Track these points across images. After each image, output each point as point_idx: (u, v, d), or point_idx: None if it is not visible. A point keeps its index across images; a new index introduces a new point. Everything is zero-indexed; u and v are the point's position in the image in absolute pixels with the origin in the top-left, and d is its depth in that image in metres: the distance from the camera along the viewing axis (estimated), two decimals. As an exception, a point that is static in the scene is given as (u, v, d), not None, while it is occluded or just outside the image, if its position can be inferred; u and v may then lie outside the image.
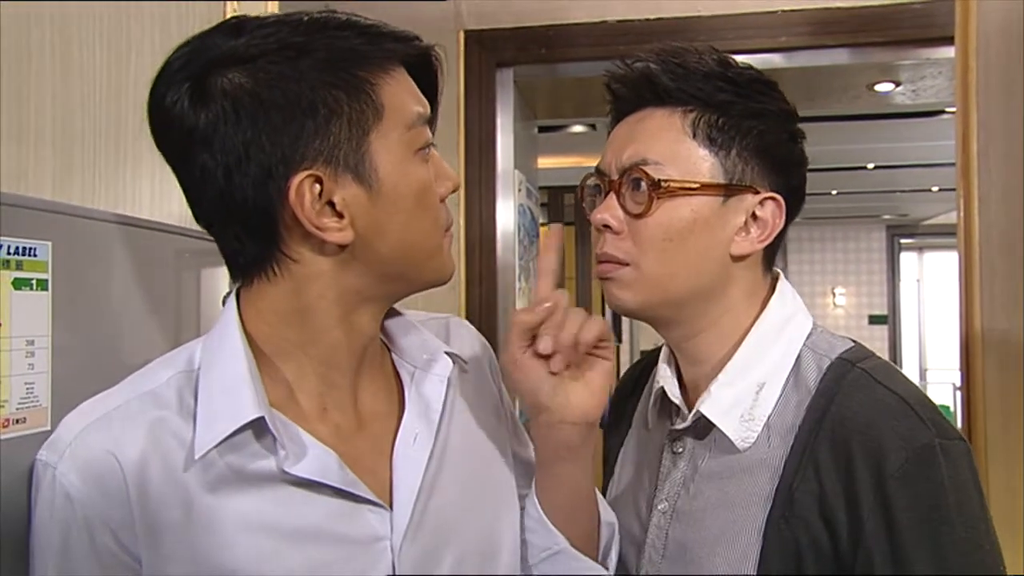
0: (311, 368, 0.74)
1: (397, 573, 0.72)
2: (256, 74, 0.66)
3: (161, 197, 1.22)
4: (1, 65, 1.16)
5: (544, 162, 2.93)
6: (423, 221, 0.73)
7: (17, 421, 0.74)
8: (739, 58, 0.87)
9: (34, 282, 0.77)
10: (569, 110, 3.42)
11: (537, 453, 0.84)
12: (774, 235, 0.87)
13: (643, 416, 0.99)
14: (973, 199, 1.40)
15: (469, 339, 0.90)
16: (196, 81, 0.67)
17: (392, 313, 0.83)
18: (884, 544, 0.75)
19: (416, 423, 0.78)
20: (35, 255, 0.77)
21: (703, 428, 0.87)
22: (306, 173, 0.67)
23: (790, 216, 0.88)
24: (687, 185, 0.83)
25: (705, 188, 0.84)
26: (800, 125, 0.89)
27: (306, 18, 0.69)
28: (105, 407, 0.69)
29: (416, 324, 0.84)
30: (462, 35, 1.98)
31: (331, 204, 0.69)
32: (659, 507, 0.89)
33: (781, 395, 0.84)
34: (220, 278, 1.07)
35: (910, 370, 8.37)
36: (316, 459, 0.70)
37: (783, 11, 1.84)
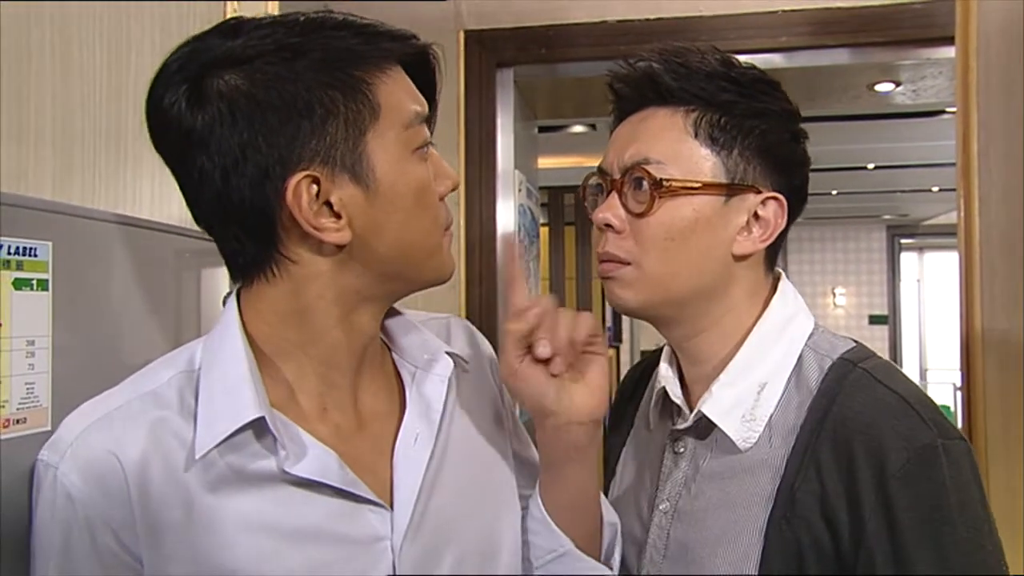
0: (311, 368, 0.74)
1: (397, 573, 0.72)
2: (252, 75, 0.66)
3: (161, 197, 1.22)
4: (1, 65, 1.16)
5: (544, 162, 2.93)
6: (422, 220, 0.73)
7: (17, 421, 0.74)
8: (740, 58, 0.87)
9: (34, 282, 0.77)
10: (569, 110, 3.42)
11: (542, 456, 0.83)
12: (776, 235, 0.87)
13: (644, 416, 0.99)
14: (973, 199, 1.40)
15: (470, 339, 0.90)
16: (193, 83, 0.67)
17: (392, 313, 0.83)
18: (886, 544, 0.75)
19: (417, 423, 0.78)
20: (35, 255, 0.77)
21: (704, 428, 0.87)
22: (303, 174, 0.67)
23: (792, 216, 0.88)
24: (689, 184, 0.83)
25: (707, 188, 0.84)
26: (801, 125, 0.89)
27: (302, 19, 0.69)
28: (106, 407, 0.69)
29: (417, 324, 0.84)
30: (462, 35, 1.98)
31: (328, 204, 0.69)
32: (660, 507, 0.89)
33: (783, 395, 0.84)
34: (220, 278, 1.07)
35: (910, 370, 8.37)
36: (316, 459, 0.70)
37: (783, 11, 1.84)
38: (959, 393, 1.55)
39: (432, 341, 0.82)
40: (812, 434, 0.80)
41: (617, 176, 0.86)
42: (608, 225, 0.86)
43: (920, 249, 9.09)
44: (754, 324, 0.87)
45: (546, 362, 0.77)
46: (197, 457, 0.67)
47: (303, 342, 0.73)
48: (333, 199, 0.69)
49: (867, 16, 1.81)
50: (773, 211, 0.86)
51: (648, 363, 1.05)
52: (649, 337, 5.90)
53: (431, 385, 0.80)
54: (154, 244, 0.96)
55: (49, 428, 0.75)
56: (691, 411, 0.88)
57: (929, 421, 0.77)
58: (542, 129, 3.21)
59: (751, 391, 0.85)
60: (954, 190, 1.45)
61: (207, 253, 0.82)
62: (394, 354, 0.83)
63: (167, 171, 0.72)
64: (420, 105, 0.73)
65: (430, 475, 0.76)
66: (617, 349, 5.81)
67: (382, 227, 0.71)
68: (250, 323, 0.73)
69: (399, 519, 0.73)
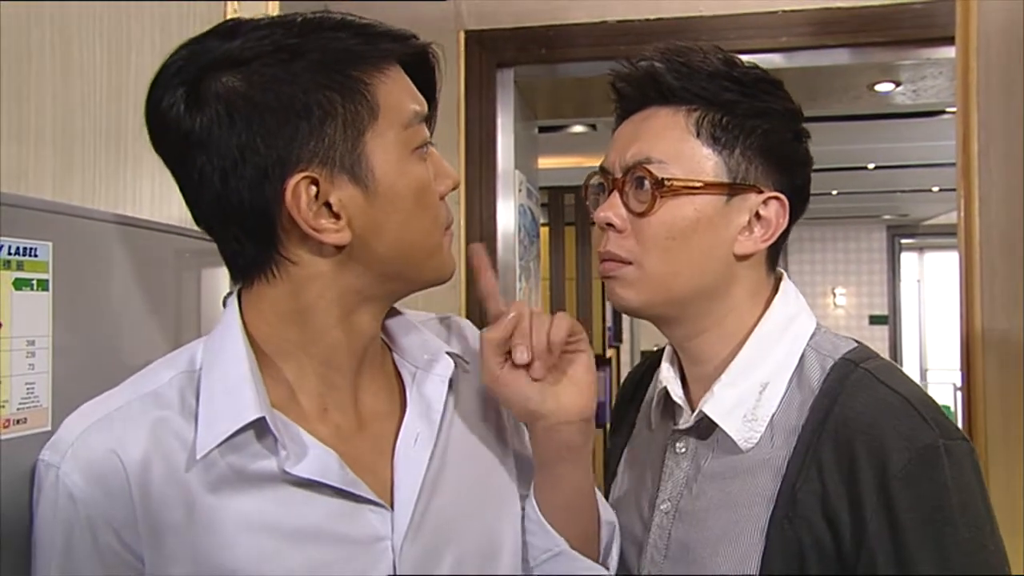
0: (312, 368, 0.74)
1: (398, 573, 0.72)
2: (250, 77, 0.66)
3: (161, 197, 1.21)
4: (1, 65, 1.16)
5: (544, 162, 2.93)
6: (422, 220, 0.73)
7: (18, 421, 0.74)
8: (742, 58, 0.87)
9: (35, 282, 0.76)
10: (569, 110, 3.42)
11: (536, 456, 0.83)
12: (778, 234, 0.86)
13: (646, 416, 0.99)
14: (973, 199, 1.40)
15: (470, 339, 0.90)
16: (191, 85, 0.67)
17: (393, 313, 0.83)
18: (887, 545, 0.75)
19: (417, 423, 0.78)
20: (35, 255, 0.76)
21: (706, 428, 0.87)
22: (302, 175, 0.67)
23: (794, 216, 0.88)
24: (691, 184, 0.83)
25: (709, 187, 0.83)
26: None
27: (300, 19, 0.69)
28: (107, 408, 0.69)
29: (417, 324, 0.84)
30: (462, 35, 1.98)
31: (328, 205, 0.69)
32: (661, 507, 0.89)
33: (784, 395, 0.84)
34: (220, 278, 1.07)
35: (911, 370, 8.36)
36: (317, 459, 0.70)
37: (784, 11, 1.84)
38: (959, 393, 1.55)
39: (432, 341, 0.82)
40: (814, 434, 0.80)
41: (619, 175, 0.86)
42: (610, 224, 0.86)
43: (920, 249, 9.09)
44: (756, 324, 0.87)
45: (527, 367, 0.77)
46: (198, 457, 0.67)
47: (303, 342, 0.73)
48: (332, 200, 0.68)
49: (867, 16, 1.81)
50: (775, 211, 0.86)
51: (649, 364, 1.05)
52: (649, 337, 5.90)
53: (431, 385, 0.80)
54: (154, 244, 0.96)
55: (49, 428, 0.75)
56: (692, 411, 0.88)
57: (931, 421, 0.77)
58: (542, 129, 3.20)
59: (753, 391, 0.84)
60: (954, 190, 1.45)
61: (207, 253, 0.82)
62: (394, 354, 0.83)
63: (167, 171, 0.72)
64: (419, 105, 0.73)
65: (430, 475, 0.76)
66: (617, 349, 5.81)
67: (382, 227, 0.71)
68: (251, 323, 0.73)
69: (399, 519, 0.73)
